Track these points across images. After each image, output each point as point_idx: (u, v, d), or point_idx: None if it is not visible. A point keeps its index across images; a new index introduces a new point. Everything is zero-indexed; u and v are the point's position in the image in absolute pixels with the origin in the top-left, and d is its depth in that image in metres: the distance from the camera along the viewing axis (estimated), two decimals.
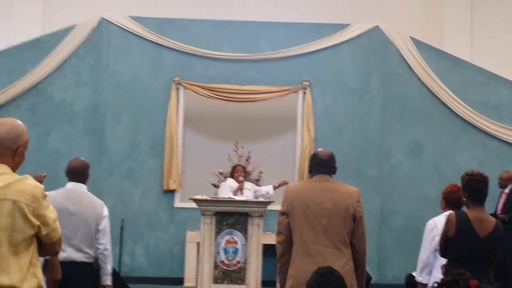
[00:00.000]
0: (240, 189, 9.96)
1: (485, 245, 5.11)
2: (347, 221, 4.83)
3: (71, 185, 5.67)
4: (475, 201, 5.20)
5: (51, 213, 3.42)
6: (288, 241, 4.91)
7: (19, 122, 3.52)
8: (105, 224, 5.62)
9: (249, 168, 11.43)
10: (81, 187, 5.63)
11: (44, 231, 3.37)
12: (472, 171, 5.29)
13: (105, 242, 5.59)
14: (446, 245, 5.24)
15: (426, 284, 5.81)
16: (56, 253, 3.62)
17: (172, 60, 11.63)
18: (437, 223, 5.76)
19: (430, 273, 5.85)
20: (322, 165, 5.02)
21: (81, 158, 5.94)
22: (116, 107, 11.52)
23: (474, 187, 5.19)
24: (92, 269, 5.58)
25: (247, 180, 10.53)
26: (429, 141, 11.58)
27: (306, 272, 4.58)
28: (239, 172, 10.20)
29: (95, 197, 5.72)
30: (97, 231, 5.53)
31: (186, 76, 11.59)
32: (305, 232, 4.83)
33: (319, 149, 5.33)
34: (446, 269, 5.28)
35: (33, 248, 3.37)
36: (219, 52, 11.62)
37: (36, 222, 3.32)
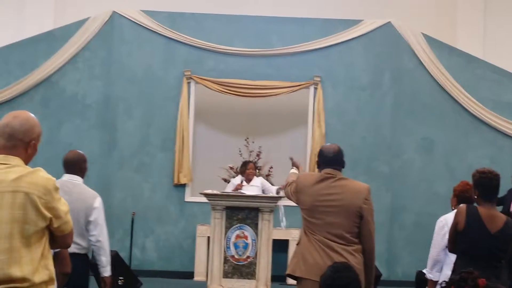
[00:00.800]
0: (237, 189, 9.96)
1: (495, 241, 5.08)
2: (353, 219, 4.84)
3: (66, 177, 5.65)
4: (486, 199, 5.17)
5: (63, 206, 3.43)
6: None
7: (32, 115, 3.52)
8: (96, 216, 5.50)
9: (259, 163, 11.44)
10: (75, 179, 5.57)
11: (55, 224, 3.38)
12: (484, 168, 5.26)
13: (97, 233, 5.52)
14: (455, 239, 5.22)
15: (436, 281, 5.82)
16: (68, 246, 3.62)
17: (184, 55, 11.64)
18: (448, 221, 5.75)
19: (440, 270, 5.85)
20: (329, 162, 5.03)
21: (78, 151, 5.91)
22: (128, 101, 11.54)
23: (485, 185, 5.16)
24: (85, 259, 5.56)
25: (259, 176, 10.53)
26: (440, 138, 11.56)
27: (314, 263, 4.64)
28: (251, 170, 10.21)
29: (88, 189, 5.64)
30: (88, 222, 5.46)
31: (198, 70, 11.60)
32: (312, 224, 4.87)
33: (326, 145, 5.35)
34: (454, 264, 5.27)
35: (45, 240, 3.38)
36: (230, 47, 11.62)
37: (48, 214, 3.33)
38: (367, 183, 5.09)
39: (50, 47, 11.52)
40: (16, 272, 3.24)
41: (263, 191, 9.95)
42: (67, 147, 11.18)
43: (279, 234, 10.49)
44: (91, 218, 5.49)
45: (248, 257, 8.90)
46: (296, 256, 4.93)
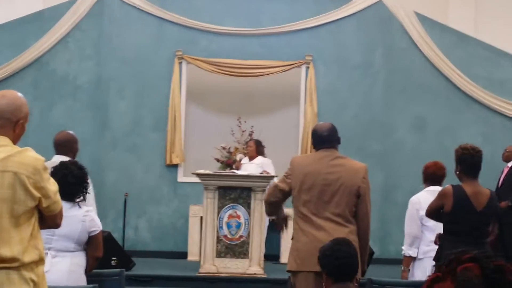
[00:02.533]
0: (237, 168, 9.99)
1: (482, 218, 5.17)
2: (351, 198, 4.83)
3: (55, 158, 5.63)
4: (469, 174, 5.24)
5: (52, 186, 3.43)
6: (278, 206, 5.09)
7: (20, 94, 3.52)
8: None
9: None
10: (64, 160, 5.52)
11: (45, 203, 3.38)
12: (466, 144, 5.33)
13: None
14: (437, 213, 5.32)
15: (414, 258, 5.99)
16: (57, 226, 3.61)
17: (175, 35, 11.58)
18: (420, 199, 6.01)
19: (418, 247, 6.01)
20: (324, 141, 4.98)
21: (68, 131, 5.91)
22: (119, 81, 11.50)
23: (468, 161, 5.22)
24: None
25: (264, 156, 10.53)
26: (432, 116, 11.57)
27: (311, 244, 4.64)
28: (249, 148, 10.32)
29: None
30: None
31: (189, 50, 11.56)
32: (309, 205, 4.83)
33: (318, 124, 5.32)
34: (441, 241, 5.34)
35: (34, 220, 3.38)
36: (222, 27, 11.57)
37: (37, 194, 3.32)
38: (360, 162, 5.09)
39: (40, 27, 11.44)
40: (6, 252, 3.24)
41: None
42: (58, 128, 11.07)
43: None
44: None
45: (240, 236, 8.92)
46: (291, 251, 4.92)
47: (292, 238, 4.96)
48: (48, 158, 5.35)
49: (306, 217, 4.83)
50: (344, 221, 4.80)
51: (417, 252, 6.03)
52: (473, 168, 5.24)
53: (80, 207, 4.85)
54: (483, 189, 5.27)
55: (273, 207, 5.08)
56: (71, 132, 5.87)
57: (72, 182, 4.81)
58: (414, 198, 6.12)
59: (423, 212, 5.72)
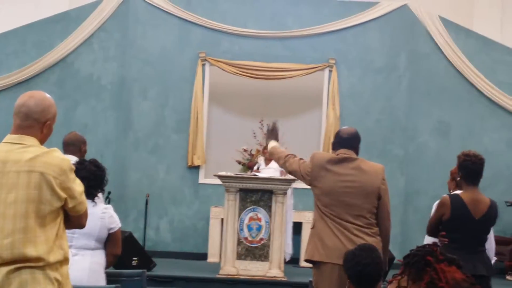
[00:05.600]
0: (256, 170, 9.98)
1: (480, 226, 5.15)
2: (371, 200, 4.81)
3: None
4: (469, 182, 5.22)
5: (78, 186, 3.45)
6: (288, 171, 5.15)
7: (47, 95, 3.53)
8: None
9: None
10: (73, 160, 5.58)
11: (70, 204, 3.40)
12: (469, 151, 5.30)
13: None
14: (437, 227, 5.29)
15: None
16: (82, 226, 3.63)
17: (199, 36, 11.62)
18: None
19: None
20: (343, 142, 4.97)
21: (76, 132, 6.06)
22: (143, 82, 11.55)
23: (468, 168, 5.20)
24: None
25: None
26: (455, 121, 11.50)
27: (335, 239, 4.64)
28: (266, 151, 10.20)
29: None
30: None
31: (213, 52, 11.58)
32: (330, 208, 4.80)
33: (344, 127, 5.28)
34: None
35: (60, 220, 3.40)
36: (245, 29, 11.59)
37: (63, 194, 3.35)
38: (377, 163, 5.08)
39: (65, 27, 11.52)
40: (31, 251, 3.26)
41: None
42: (82, 128, 11.25)
43: (293, 217, 10.50)
44: None
45: (261, 239, 8.92)
46: (313, 240, 4.87)
47: (313, 228, 4.92)
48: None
49: (328, 217, 4.81)
50: (366, 223, 4.79)
51: None
52: (473, 175, 5.20)
53: (96, 203, 4.88)
54: (483, 198, 5.22)
55: (288, 171, 5.16)
56: (79, 133, 5.99)
57: (84, 177, 4.84)
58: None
59: None
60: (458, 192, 5.38)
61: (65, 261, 3.41)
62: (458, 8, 12.33)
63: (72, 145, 5.84)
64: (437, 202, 5.94)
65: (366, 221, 4.79)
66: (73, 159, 5.52)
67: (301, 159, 5.08)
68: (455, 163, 11.63)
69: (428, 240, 5.95)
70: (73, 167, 3.45)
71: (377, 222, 4.86)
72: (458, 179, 5.30)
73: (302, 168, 4.99)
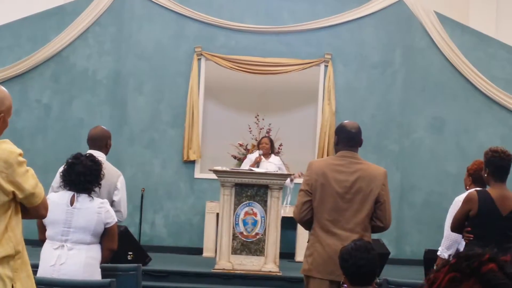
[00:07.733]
0: (256, 162, 9.93)
1: (507, 223, 5.08)
2: (369, 205, 4.76)
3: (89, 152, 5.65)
4: (497, 178, 5.14)
5: (28, 179, 3.32)
6: (309, 222, 4.85)
7: (2, 88, 3.40)
8: (119, 197, 5.50)
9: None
10: (99, 156, 5.42)
11: (20, 196, 3.30)
12: (497, 147, 5.21)
13: (123, 211, 5.58)
14: (463, 223, 5.20)
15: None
16: (42, 217, 3.56)
17: (195, 31, 11.60)
18: None
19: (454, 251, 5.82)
20: (351, 138, 4.87)
21: (102, 127, 5.92)
22: (138, 76, 11.53)
23: (496, 164, 5.13)
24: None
25: (277, 155, 10.47)
26: (451, 117, 11.51)
27: (325, 252, 4.61)
28: (263, 144, 10.17)
29: (111, 167, 5.59)
30: (112, 202, 5.42)
31: (208, 47, 11.57)
32: (326, 212, 4.74)
33: (346, 121, 5.13)
34: (464, 248, 5.27)
35: (11, 213, 3.30)
36: (241, 24, 11.58)
37: (9, 188, 3.24)
38: (377, 162, 5.09)
39: (60, 21, 11.49)
40: None
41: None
42: (77, 122, 11.26)
43: (289, 211, 10.50)
44: (115, 199, 5.50)
45: (256, 234, 8.93)
46: (306, 255, 4.84)
47: (308, 241, 4.89)
48: (70, 150, 5.42)
49: (323, 224, 4.75)
50: (361, 229, 4.74)
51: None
52: (501, 171, 5.13)
53: (93, 198, 4.88)
54: (511, 194, 5.14)
55: (310, 222, 4.84)
56: (105, 128, 5.88)
57: (80, 172, 4.83)
58: (458, 199, 5.80)
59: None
60: (473, 189, 5.33)
61: (17, 254, 3.30)
62: (453, 4, 12.33)
63: (99, 140, 5.69)
64: (457, 197, 5.84)
65: (359, 227, 4.73)
66: (99, 155, 5.48)
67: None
68: (450, 159, 11.69)
69: (450, 236, 5.86)
70: (22, 159, 3.31)
71: (377, 225, 4.84)
72: (485, 175, 5.23)
73: (303, 195, 4.83)
